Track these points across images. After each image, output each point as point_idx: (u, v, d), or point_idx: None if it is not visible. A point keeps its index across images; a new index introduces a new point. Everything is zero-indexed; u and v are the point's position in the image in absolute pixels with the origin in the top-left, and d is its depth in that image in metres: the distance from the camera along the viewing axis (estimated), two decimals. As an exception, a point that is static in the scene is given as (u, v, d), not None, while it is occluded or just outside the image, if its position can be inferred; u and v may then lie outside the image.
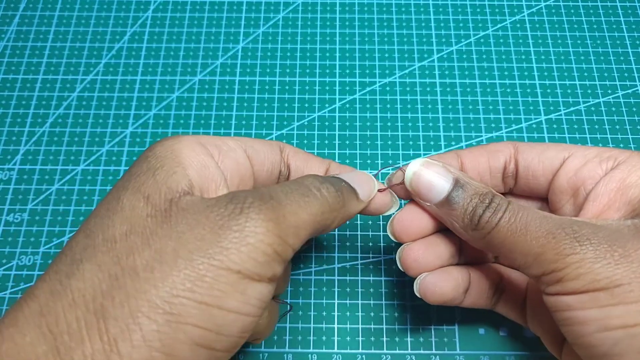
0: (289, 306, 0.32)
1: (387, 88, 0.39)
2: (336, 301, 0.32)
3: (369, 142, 0.37)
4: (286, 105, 0.39)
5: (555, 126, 0.38)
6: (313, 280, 0.33)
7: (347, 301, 0.32)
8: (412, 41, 0.41)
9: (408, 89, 0.39)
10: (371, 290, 0.33)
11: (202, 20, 0.42)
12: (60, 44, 0.41)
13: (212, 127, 0.38)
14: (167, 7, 0.43)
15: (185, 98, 0.39)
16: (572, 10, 0.42)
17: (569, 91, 0.39)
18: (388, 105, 0.39)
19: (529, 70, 0.40)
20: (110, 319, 0.17)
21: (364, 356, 0.31)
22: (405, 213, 0.26)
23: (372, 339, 0.31)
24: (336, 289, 0.33)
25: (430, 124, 0.38)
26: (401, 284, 0.33)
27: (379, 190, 0.26)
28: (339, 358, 0.31)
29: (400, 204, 0.27)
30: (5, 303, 0.32)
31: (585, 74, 0.40)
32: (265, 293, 0.20)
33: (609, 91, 0.39)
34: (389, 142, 0.37)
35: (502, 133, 0.37)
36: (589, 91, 0.39)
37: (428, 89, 0.39)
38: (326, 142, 0.37)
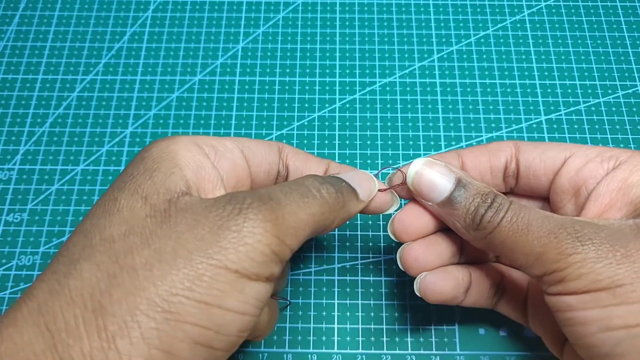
0: (288, 301, 0.32)
1: (387, 88, 0.39)
2: (336, 301, 0.32)
3: (369, 142, 0.37)
4: (286, 105, 0.39)
5: (555, 126, 0.38)
6: (313, 280, 0.33)
7: (347, 301, 0.32)
8: (412, 41, 0.41)
9: (408, 89, 0.39)
10: (371, 290, 0.33)
11: (202, 20, 0.42)
12: (60, 44, 0.41)
13: (212, 127, 0.38)
14: (167, 7, 0.43)
15: (185, 98, 0.39)
16: (572, 10, 0.42)
17: (569, 91, 0.39)
18: (388, 105, 0.39)
19: (529, 70, 0.40)
20: (108, 317, 0.17)
21: (364, 356, 0.31)
22: (405, 213, 0.26)
23: (372, 339, 0.31)
24: (336, 289, 0.33)
25: (430, 124, 0.38)
26: (401, 284, 0.33)
27: (379, 190, 0.26)
28: (339, 358, 0.31)
29: (401, 203, 0.27)
30: (5, 303, 0.32)
31: (585, 74, 0.40)
32: (263, 292, 0.20)
33: (609, 91, 0.39)
34: (389, 142, 0.37)
35: (502, 133, 0.37)
36: (589, 91, 0.39)
37: (428, 89, 0.39)
38: (326, 142, 0.37)
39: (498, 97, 0.39)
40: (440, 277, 0.26)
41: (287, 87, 0.40)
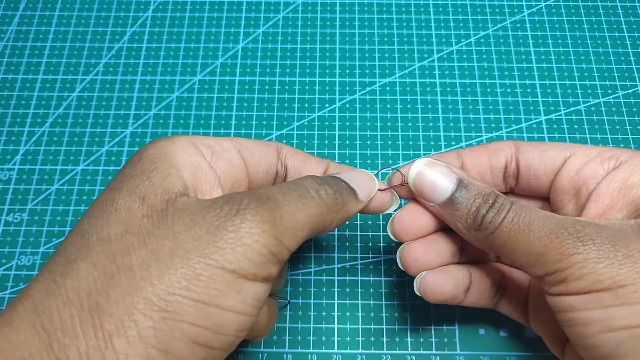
0: (287, 301, 0.32)
1: (387, 88, 0.39)
2: (336, 301, 0.32)
3: (369, 142, 0.37)
4: (286, 105, 0.39)
5: (555, 126, 0.38)
6: (313, 280, 0.33)
7: (347, 301, 0.32)
8: (412, 41, 0.41)
9: (408, 89, 0.39)
10: (371, 290, 0.33)
11: (202, 20, 0.42)
12: (60, 44, 0.41)
13: (212, 127, 0.38)
14: (167, 7, 0.43)
15: (185, 98, 0.39)
16: (572, 10, 0.42)
17: (569, 91, 0.39)
18: (388, 105, 0.39)
19: (529, 70, 0.40)
20: (105, 316, 0.17)
21: (364, 356, 0.31)
22: (405, 212, 0.26)
23: (372, 339, 0.31)
24: (336, 289, 0.33)
25: (430, 124, 0.38)
26: (401, 284, 0.33)
27: (379, 190, 0.26)
28: (339, 358, 0.31)
29: (400, 203, 0.27)
30: (5, 303, 0.32)
31: (585, 74, 0.40)
32: (260, 293, 0.20)
33: (609, 91, 0.39)
34: (389, 142, 0.37)
35: (502, 133, 0.37)
36: (589, 91, 0.39)
37: (428, 89, 0.39)
38: (326, 142, 0.37)
39: (498, 97, 0.39)
40: (440, 277, 0.26)
41: (287, 87, 0.40)
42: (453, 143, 0.37)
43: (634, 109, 0.38)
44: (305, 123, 0.38)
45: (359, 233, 0.34)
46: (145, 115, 0.39)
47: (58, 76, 0.40)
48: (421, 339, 0.31)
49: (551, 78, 0.39)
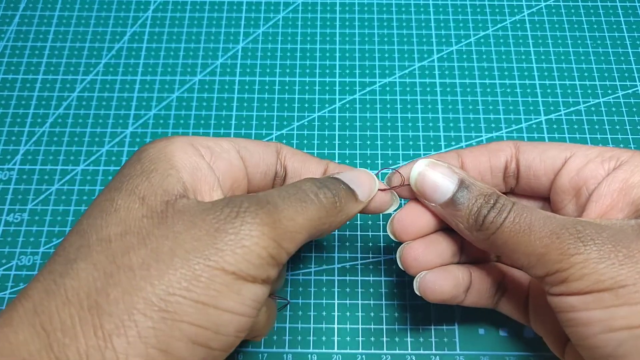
0: (287, 301, 0.32)
1: (387, 88, 0.39)
2: (336, 301, 0.32)
3: (369, 142, 0.37)
4: (286, 105, 0.39)
5: (555, 126, 0.38)
6: (313, 280, 0.33)
7: (347, 301, 0.32)
8: (412, 41, 0.41)
9: (408, 89, 0.39)
10: (371, 290, 0.33)
11: (202, 20, 0.42)
12: (60, 44, 0.41)
13: (212, 127, 0.38)
14: (167, 7, 0.43)
15: (185, 98, 0.39)
16: (572, 10, 0.42)
17: (569, 91, 0.39)
18: (388, 105, 0.39)
19: (529, 70, 0.40)
20: (105, 316, 0.17)
21: (364, 356, 0.31)
22: (405, 212, 0.26)
23: (372, 339, 0.31)
24: (336, 289, 0.33)
25: (430, 124, 0.38)
26: (401, 284, 0.33)
27: (379, 190, 0.26)
28: (339, 358, 0.31)
29: (400, 203, 0.27)
30: (5, 303, 0.32)
31: (585, 74, 0.40)
32: (260, 294, 0.20)
33: (609, 91, 0.39)
34: (389, 142, 0.37)
35: (502, 133, 0.37)
36: (589, 91, 0.39)
37: (428, 89, 0.39)
38: (326, 142, 0.37)
39: (498, 97, 0.39)
40: (440, 276, 0.26)
41: (287, 87, 0.40)
42: (453, 143, 0.37)
43: (634, 109, 0.38)
44: (305, 123, 0.38)
45: (359, 233, 0.34)
46: (145, 115, 0.39)
47: (58, 76, 0.40)
48: (421, 339, 0.31)
49: (551, 78, 0.39)
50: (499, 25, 0.42)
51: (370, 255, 0.34)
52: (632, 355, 0.19)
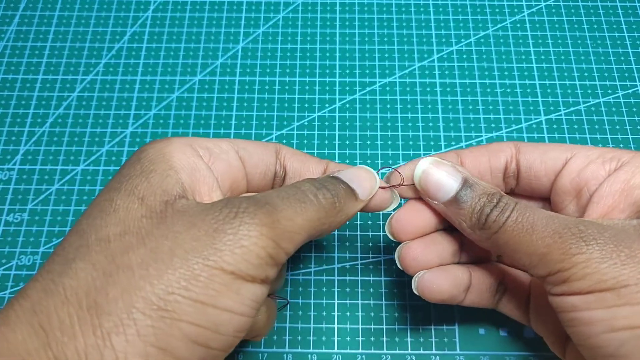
0: (286, 301, 0.32)
1: (387, 88, 0.39)
2: (336, 301, 0.32)
3: (369, 142, 0.37)
4: (286, 105, 0.39)
5: (555, 126, 0.38)
6: (313, 280, 0.33)
7: (347, 301, 0.32)
8: (412, 41, 0.41)
9: (408, 89, 0.39)
10: (371, 290, 0.33)
11: (202, 20, 0.42)
12: (60, 44, 0.41)
13: (212, 127, 0.38)
14: (167, 7, 0.43)
15: (185, 98, 0.39)
16: (572, 10, 0.42)
17: (569, 91, 0.39)
18: (388, 105, 0.39)
19: (529, 70, 0.40)
20: (103, 314, 0.17)
21: (364, 356, 0.31)
22: (403, 212, 0.26)
23: (372, 339, 0.31)
24: (336, 289, 0.33)
25: (430, 124, 0.38)
26: (401, 284, 0.33)
27: (380, 187, 0.26)
28: (339, 358, 0.31)
29: (400, 202, 0.27)
30: (4, 303, 0.32)
31: (585, 74, 0.40)
32: (259, 294, 0.20)
33: (609, 91, 0.39)
34: (389, 142, 0.37)
35: (502, 133, 0.37)
36: (589, 91, 0.39)
37: (428, 89, 0.39)
38: (326, 142, 0.37)
39: (498, 97, 0.39)
40: (439, 276, 0.26)
41: (287, 87, 0.40)
42: (453, 143, 0.37)
43: (634, 109, 0.38)
44: (305, 123, 0.38)
45: (359, 233, 0.34)
46: (145, 115, 0.39)
47: (58, 76, 0.40)
48: (421, 339, 0.31)
49: (551, 78, 0.39)
50: (499, 25, 0.42)
51: (370, 255, 0.34)
52: (634, 355, 0.19)
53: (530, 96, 0.39)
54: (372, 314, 0.32)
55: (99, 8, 0.43)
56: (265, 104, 0.39)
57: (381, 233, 0.34)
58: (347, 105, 0.39)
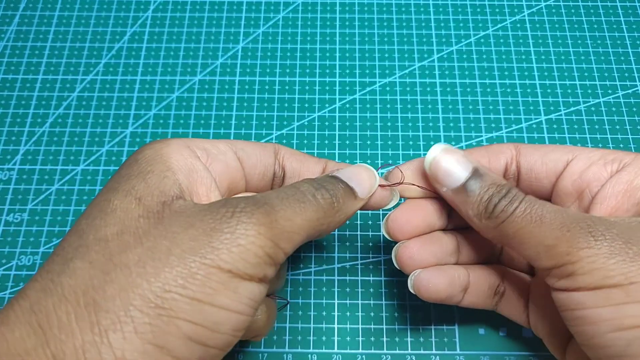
0: (286, 301, 0.32)
1: (387, 88, 0.39)
2: (336, 301, 0.32)
3: (369, 142, 0.37)
4: (286, 105, 0.39)
5: (555, 126, 0.38)
6: (313, 280, 0.33)
7: (347, 301, 0.32)
8: (412, 41, 0.41)
9: (408, 89, 0.39)
10: (371, 290, 0.33)
11: (202, 20, 0.42)
12: (60, 44, 0.41)
13: (212, 127, 0.38)
14: (167, 7, 0.43)
15: (185, 98, 0.39)
16: (572, 10, 0.42)
17: (569, 91, 0.39)
18: (388, 105, 0.39)
19: (529, 70, 0.40)
20: (101, 312, 0.17)
21: (364, 356, 0.31)
22: (399, 211, 0.26)
23: (372, 339, 0.31)
24: (336, 289, 0.33)
25: (430, 124, 0.38)
26: (401, 284, 0.33)
27: (380, 186, 0.26)
28: (339, 358, 0.31)
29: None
30: (4, 303, 0.32)
31: (585, 74, 0.40)
32: (257, 293, 0.20)
33: (609, 91, 0.39)
34: (389, 142, 0.37)
35: (502, 133, 0.37)
36: (589, 91, 0.39)
37: (428, 89, 0.39)
38: (326, 142, 0.37)
39: (498, 97, 0.39)
40: (434, 275, 0.25)
41: (287, 87, 0.40)
42: (453, 143, 0.37)
43: (634, 109, 0.38)
44: (305, 123, 0.38)
45: (359, 233, 0.34)
46: (145, 115, 0.39)
47: (58, 76, 0.40)
48: (421, 339, 0.31)
49: (551, 78, 0.39)
50: (499, 25, 0.42)
51: (370, 255, 0.34)
52: None
53: (530, 96, 0.39)
54: (372, 314, 0.32)
55: (99, 8, 0.43)
56: (265, 104, 0.39)
57: (381, 233, 0.34)
58: (347, 105, 0.39)
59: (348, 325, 0.32)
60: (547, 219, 0.21)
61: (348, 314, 0.32)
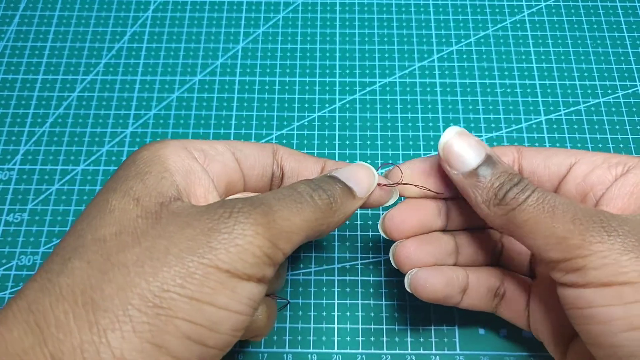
0: (287, 301, 0.32)
1: (387, 88, 0.39)
2: (336, 301, 0.32)
3: (369, 142, 0.37)
4: (286, 105, 0.39)
5: (555, 126, 0.38)
6: (313, 280, 0.33)
7: (347, 301, 0.32)
8: (412, 41, 0.41)
9: (408, 89, 0.39)
10: (371, 290, 0.33)
11: (202, 20, 0.42)
12: (60, 44, 0.41)
13: (212, 127, 0.38)
14: (167, 7, 0.43)
15: (185, 98, 0.39)
16: (572, 10, 0.42)
17: (569, 91, 0.39)
18: (388, 105, 0.39)
19: (529, 70, 0.40)
20: (99, 311, 0.17)
21: (364, 356, 0.31)
22: (396, 210, 0.26)
23: (372, 339, 0.31)
24: (336, 289, 0.33)
25: (430, 124, 0.38)
26: (401, 284, 0.33)
27: (379, 185, 0.26)
28: (339, 358, 0.31)
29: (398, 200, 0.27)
30: (4, 303, 0.32)
31: (585, 74, 0.40)
32: (255, 293, 0.20)
33: (609, 91, 0.39)
34: (389, 142, 0.37)
35: (502, 133, 0.37)
36: (589, 91, 0.39)
37: (428, 89, 0.39)
38: (326, 142, 0.37)
39: (498, 97, 0.39)
40: (431, 274, 0.25)
41: (287, 87, 0.40)
42: (453, 143, 0.37)
43: (634, 109, 0.38)
44: (305, 123, 0.38)
45: (359, 233, 0.34)
46: (145, 115, 0.39)
47: (58, 76, 0.40)
48: (421, 339, 0.31)
49: (551, 78, 0.39)
50: (499, 25, 0.42)
51: (370, 255, 0.34)
52: None
53: (530, 96, 0.39)
54: (372, 314, 0.32)
55: (99, 8, 0.43)
56: (265, 104, 0.39)
57: (381, 233, 0.34)
58: (347, 105, 0.39)
59: (348, 325, 0.32)
60: (559, 210, 0.21)
61: (348, 314, 0.32)
